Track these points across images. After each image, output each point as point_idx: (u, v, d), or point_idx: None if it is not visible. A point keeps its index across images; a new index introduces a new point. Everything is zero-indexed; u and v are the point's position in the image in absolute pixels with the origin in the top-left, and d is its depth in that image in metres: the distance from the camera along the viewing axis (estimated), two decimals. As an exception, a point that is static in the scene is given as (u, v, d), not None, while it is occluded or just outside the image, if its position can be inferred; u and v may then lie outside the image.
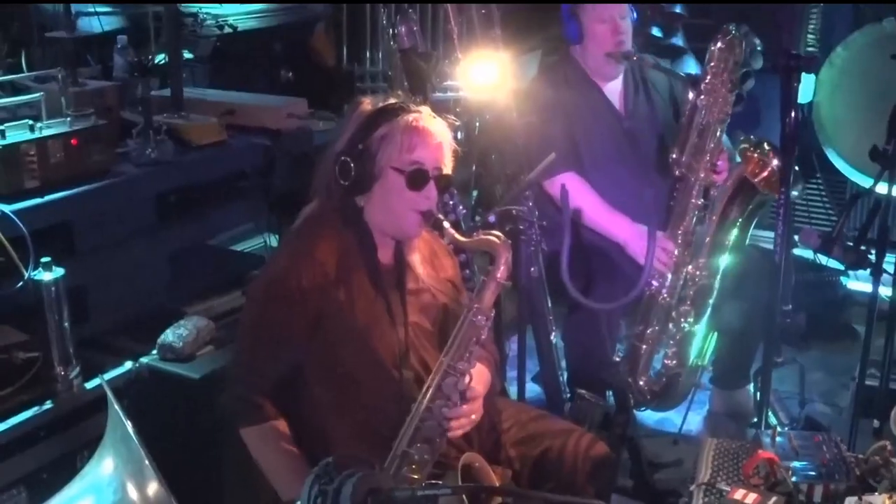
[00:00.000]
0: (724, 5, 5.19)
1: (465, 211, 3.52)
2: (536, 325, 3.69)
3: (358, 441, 2.58)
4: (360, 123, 2.62)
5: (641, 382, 3.76)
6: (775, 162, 3.70)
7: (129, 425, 2.02)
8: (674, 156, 3.72)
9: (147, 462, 1.98)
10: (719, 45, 3.65)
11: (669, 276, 3.69)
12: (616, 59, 3.86)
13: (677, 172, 3.72)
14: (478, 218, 3.60)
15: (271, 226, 4.43)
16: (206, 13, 4.85)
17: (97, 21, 4.52)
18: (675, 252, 3.70)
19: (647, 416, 4.19)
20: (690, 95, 3.73)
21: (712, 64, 3.67)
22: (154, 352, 3.36)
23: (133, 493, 2.02)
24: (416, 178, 2.59)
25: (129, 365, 3.32)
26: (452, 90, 4.55)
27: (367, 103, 2.68)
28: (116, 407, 2.08)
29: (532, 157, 3.47)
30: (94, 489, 2.08)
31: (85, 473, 2.14)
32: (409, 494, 1.75)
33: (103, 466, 2.09)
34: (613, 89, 3.98)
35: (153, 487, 1.99)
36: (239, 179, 4.10)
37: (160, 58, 4.38)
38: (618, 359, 3.84)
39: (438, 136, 2.64)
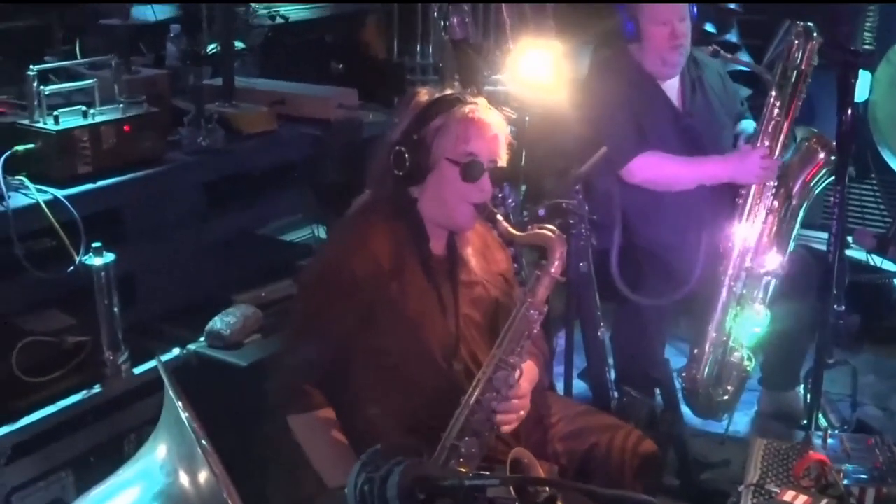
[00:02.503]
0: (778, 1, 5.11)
1: (514, 204, 3.50)
2: (584, 321, 3.65)
3: (405, 432, 2.57)
4: (415, 114, 2.61)
5: (718, 400, 3.76)
6: (821, 154, 3.68)
7: (180, 407, 2.01)
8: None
9: (198, 448, 1.97)
10: (811, 42, 3.61)
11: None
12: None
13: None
14: (525, 213, 3.58)
15: (319, 217, 4.43)
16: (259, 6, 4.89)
17: (151, 10, 4.54)
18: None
19: (694, 416, 4.14)
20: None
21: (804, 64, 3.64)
22: (202, 339, 3.38)
23: (184, 477, 2.01)
24: (471, 170, 2.58)
25: (176, 351, 3.34)
26: (503, 84, 4.52)
27: (424, 94, 2.67)
28: (170, 389, 2.07)
29: (593, 151, 3.42)
30: (145, 474, 2.08)
31: (139, 457, 2.14)
32: (456, 483, 1.72)
33: (157, 450, 2.09)
34: (671, 86, 3.91)
35: (204, 473, 1.98)
36: (288, 169, 4.10)
37: (212, 47, 4.40)
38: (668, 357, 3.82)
39: (494, 128, 2.62)
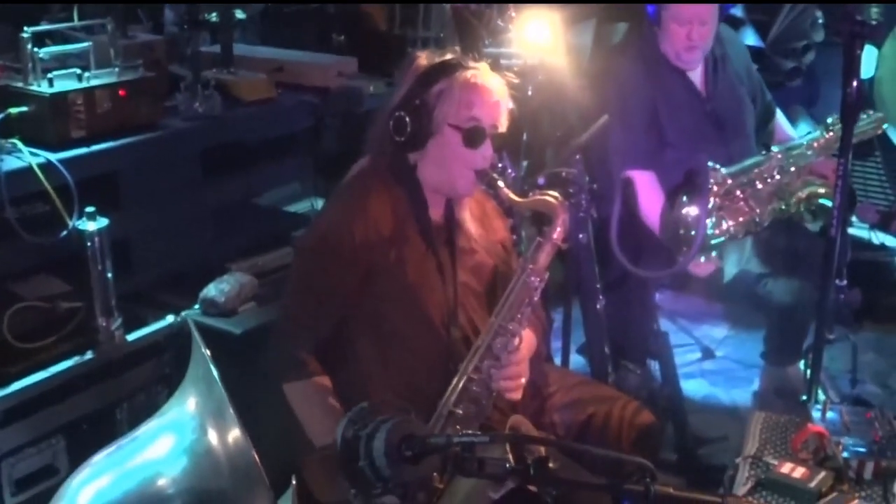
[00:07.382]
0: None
1: (514, 174, 3.46)
2: (583, 293, 3.61)
3: (403, 400, 2.53)
4: (416, 79, 2.58)
5: None
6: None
7: (208, 356, 2.00)
8: None
9: (230, 408, 1.96)
10: None
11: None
12: None
13: None
14: (526, 187, 3.53)
15: (318, 189, 4.39)
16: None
17: (149, -24, 4.49)
18: None
19: (694, 391, 4.12)
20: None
21: None
22: (196, 306, 3.35)
23: (213, 434, 2.01)
24: (474, 136, 2.55)
25: (170, 318, 3.30)
26: (505, 57, 4.47)
27: (424, 59, 2.64)
28: (203, 348, 2.05)
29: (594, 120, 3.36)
30: (175, 426, 2.08)
31: (165, 410, 2.14)
32: (444, 441, 1.69)
33: (185, 405, 2.08)
34: (695, 70, 3.83)
35: (234, 432, 1.97)
36: (287, 138, 4.07)
37: (211, 16, 4.35)
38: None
39: (496, 94, 2.60)
